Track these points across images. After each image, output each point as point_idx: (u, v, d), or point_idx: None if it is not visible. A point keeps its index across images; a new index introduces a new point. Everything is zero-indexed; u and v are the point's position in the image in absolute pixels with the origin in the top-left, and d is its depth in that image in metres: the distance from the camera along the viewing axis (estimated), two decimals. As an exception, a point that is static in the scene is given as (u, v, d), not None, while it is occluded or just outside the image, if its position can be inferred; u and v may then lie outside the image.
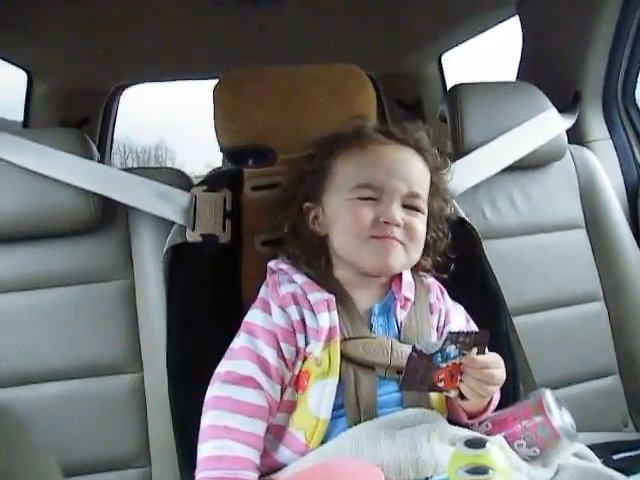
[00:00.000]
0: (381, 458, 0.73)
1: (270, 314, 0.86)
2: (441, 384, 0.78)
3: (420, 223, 0.90)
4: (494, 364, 0.80)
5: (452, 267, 0.97)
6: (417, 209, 0.90)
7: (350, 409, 0.81)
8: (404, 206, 0.88)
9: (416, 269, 0.96)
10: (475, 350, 0.77)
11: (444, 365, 0.77)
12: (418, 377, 0.77)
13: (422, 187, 0.91)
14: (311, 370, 0.83)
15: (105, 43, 1.93)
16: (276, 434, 0.83)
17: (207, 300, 1.01)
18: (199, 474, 0.78)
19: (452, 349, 0.76)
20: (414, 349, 0.76)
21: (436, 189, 0.96)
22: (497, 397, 0.86)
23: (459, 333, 0.77)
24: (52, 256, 1.10)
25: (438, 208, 0.97)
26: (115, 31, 1.82)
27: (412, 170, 0.91)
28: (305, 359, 0.85)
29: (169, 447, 0.96)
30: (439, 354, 0.76)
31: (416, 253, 0.90)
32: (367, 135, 0.93)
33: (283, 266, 0.92)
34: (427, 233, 0.94)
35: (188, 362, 0.97)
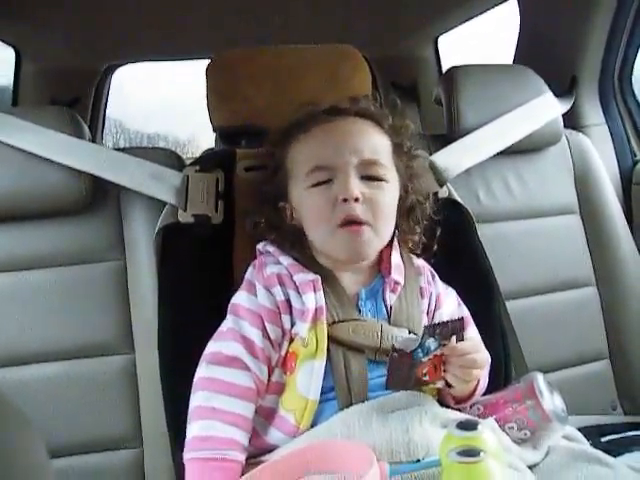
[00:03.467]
0: (373, 440, 0.73)
1: (255, 295, 0.86)
2: (426, 377, 0.78)
3: (384, 194, 0.87)
4: (474, 348, 0.80)
5: (444, 249, 0.96)
6: (378, 178, 0.87)
7: (341, 392, 0.81)
8: (364, 177, 0.86)
9: (406, 245, 0.95)
10: (454, 338, 0.77)
11: (426, 359, 0.76)
12: (402, 376, 0.77)
13: (379, 153, 0.88)
14: (298, 351, 0.83)
15: (95, 21, 1.89)
16: (266, 416, 0.83)
17: (199, 281, 1.00)
18: (187, 454, 0.78)
19: (431, 342, 0.76)
20: (394, 349, 0.76)
21: (400, 148, 0.93)
22: (484, 382, 0.86)
23: (435, 325, 0.77)
24: (43, 237, 1.09)
25: (409, 167, 0.94)
26: (105, 9, 1.79)
27: (362, 139, 0.88)
28: (292, 340, 0.85)
29: (161, 428, 0.96)
30: (419, 349, 0.76)
31: (386, 230, 0.88)
32: (311, 118, 0.91)
33: (270, 248, 0.91)
34: (406, 198, 0.93)
35: (179, 343, 0.96)
